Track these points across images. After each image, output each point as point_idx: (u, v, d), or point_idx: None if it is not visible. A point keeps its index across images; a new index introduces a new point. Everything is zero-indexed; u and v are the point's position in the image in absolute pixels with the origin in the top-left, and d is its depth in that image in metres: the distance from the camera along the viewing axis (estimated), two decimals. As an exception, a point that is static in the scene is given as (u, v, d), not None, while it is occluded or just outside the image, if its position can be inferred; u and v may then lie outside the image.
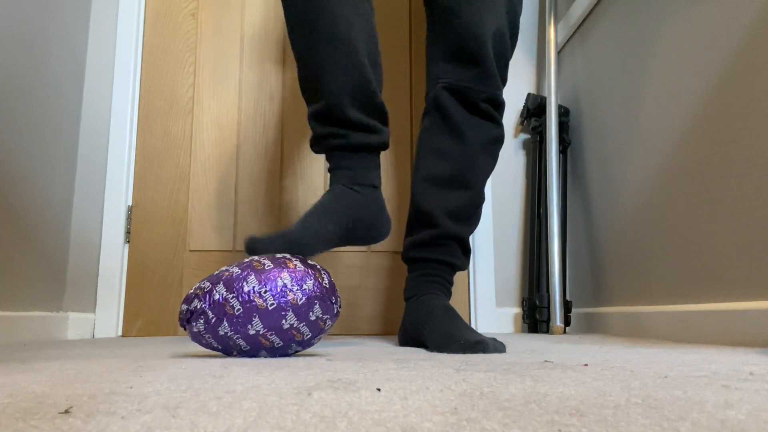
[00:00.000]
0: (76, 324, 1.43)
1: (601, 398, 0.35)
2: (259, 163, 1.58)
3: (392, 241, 1.57)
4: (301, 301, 0.65)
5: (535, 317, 1.45)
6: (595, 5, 1.41)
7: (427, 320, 0.91)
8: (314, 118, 0.91)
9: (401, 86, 1.64)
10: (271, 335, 0.65)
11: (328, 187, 1.10)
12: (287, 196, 1.57)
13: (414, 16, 1.68)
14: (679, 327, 1.00)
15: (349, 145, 0.90)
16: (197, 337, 0.67)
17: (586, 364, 0.56)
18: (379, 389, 0.39)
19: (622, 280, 1.25)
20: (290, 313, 0.64)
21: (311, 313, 0.66)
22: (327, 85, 0.87)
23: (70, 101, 1.48)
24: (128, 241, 1.51)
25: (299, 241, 0.78)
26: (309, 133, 1.60)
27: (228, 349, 0.67)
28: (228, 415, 0.30)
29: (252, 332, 0.64)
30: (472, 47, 0.98)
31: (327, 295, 0.68)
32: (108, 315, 1.46)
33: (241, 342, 0.65)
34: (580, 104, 1.50)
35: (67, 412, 0.31)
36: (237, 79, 1.61)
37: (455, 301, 1.56)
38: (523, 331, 1.55)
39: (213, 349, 0.68)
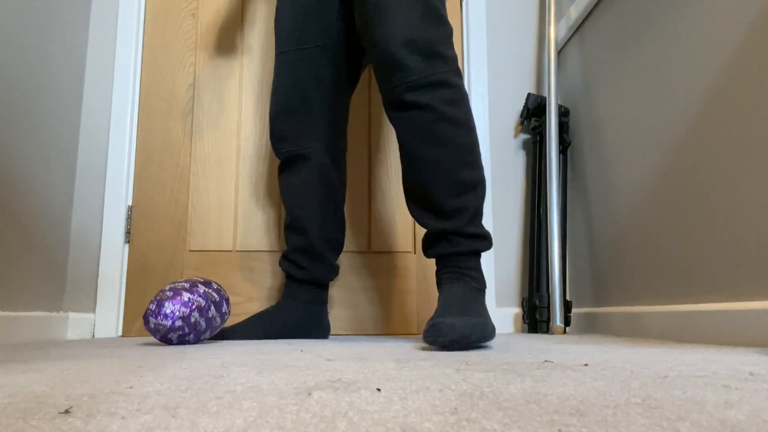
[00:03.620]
0: (76, 324, 1.43)
1: (601, 398, 0.35)
2: (259, 163, 1.58)
3: (399, 241, 1.57)
4: (203, 305, 0.97)
5: (535, 317, 1.45)
6: (595, 5, 1.41)
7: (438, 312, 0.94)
8: (283, 255, 1.26)
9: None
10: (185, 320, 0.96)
11: None
12: (287, 196, 1.57)
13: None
14: (679, 327, 1.00)
15: (298, 279, 1.23)
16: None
17: (586, 364, 0.56)
18: (379, 389, 0.39)
19: (622, 280, 1.25)
20: (195, 312, 0.96)
21: (209, 311, 0.98)
22: (290, 245, 1.24)
23: (70, 101, 1.48)
24: (128, 241, 1.51)
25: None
26: (309, 133, 1.60)
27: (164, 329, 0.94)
28: (228, 415, 0.30)
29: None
30: (384, 57, 1.01)
31: (219, 303, 1.01)
32: (108, 315, 1.46)
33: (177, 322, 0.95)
34: (580, 104, 1.50)
35: (67, 412, 0.31)
36: (237, 79, 1.61)
37: (455, 301, 1.56)
38: (523, 331, 1.55)
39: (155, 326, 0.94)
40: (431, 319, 0.85)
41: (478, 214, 1.02)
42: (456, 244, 0.99)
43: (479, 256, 1.02)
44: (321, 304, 1.24)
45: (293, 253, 1.23)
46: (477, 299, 0.95)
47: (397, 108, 1.02)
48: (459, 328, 0.79)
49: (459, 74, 1.03)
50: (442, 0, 1.06)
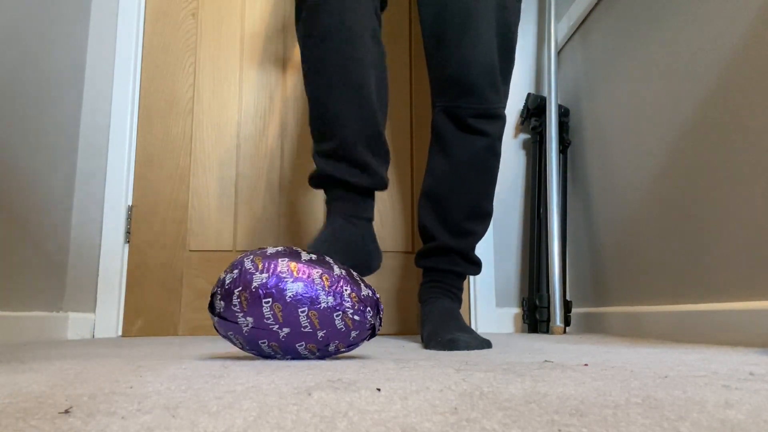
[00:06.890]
0: (76, 324, 1.43)
1: (601, 398, 0.35)
2: (259, 163, 1.58)
3: (399, 241, 1.57)
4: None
5: (535, 317, 1.45)
6: (595, 5, 1.41)
7: (425, 321, 1.01)
8: (323, 155, 0.91)
9: (401, 91, 1.64)
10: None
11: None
12: (287, 196, 1.57)
13: (414, 21, 1.68)
14: (679, 327, 1.00)
15: (353, 186, 0.91)
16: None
17: (586, 364, 0.56)
18: (379, 389, 0.39)
19: (622, 280, 1.25)
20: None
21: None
22: (341, 129, 0.89)
23: (70, 101, 1.48)
24: (128, 241, 1.51)
25: None
26: (309, 133, 1.60)
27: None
28: (228, 415, 0.30)
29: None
30: (462, 80, 1.02)
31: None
32: (108, 315, 1.46)
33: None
34: (580, 104, 1.50)
35: (67, 412, 0.31)
36: (237, 79, 1.61)
37: (455, 301, 1.56)
38: (523, 331, 1.55)
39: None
40: (437, 331, 0.92)
41: (478, 242, 1.10)
42: (456, 264, 1.06)
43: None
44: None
45: (352, 147, 0.89)
46: (461, 316, 1.03)
47: (457, 125, 1.05)
48: (473, 345, 0.86)
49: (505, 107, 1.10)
50: (517, 34, 1.09)
